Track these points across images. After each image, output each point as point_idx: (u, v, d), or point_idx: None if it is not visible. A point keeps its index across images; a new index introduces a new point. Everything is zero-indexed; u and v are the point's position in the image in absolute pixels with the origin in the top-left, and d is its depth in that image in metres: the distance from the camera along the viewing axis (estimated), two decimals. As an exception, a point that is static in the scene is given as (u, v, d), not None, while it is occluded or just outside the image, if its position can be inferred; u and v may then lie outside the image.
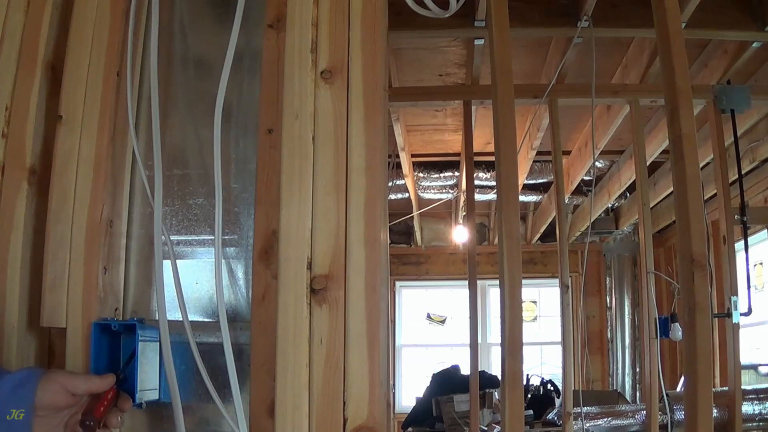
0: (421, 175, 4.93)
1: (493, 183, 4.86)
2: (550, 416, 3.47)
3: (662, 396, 2.77)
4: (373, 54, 1.02)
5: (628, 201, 5.33)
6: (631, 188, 4.64)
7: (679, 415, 2.96)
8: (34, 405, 0.80)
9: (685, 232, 1.43)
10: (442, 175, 4.95)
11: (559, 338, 4.34)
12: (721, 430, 2.77)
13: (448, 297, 6.93)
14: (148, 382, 0.97)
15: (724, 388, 2.88)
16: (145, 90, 1.13)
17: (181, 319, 0.96)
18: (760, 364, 4.43)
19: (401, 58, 3.22)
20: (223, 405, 0.93)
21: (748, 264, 3.05)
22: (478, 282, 3.17)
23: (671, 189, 3.14)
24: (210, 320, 1.10)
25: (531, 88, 3.13)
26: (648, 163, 3.22)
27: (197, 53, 1.23)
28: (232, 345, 0.94)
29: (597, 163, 4.57)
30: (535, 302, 6.90)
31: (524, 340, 1.40)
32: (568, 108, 3.48)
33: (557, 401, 3.76)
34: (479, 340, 3.24)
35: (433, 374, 4.33)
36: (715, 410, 2.78)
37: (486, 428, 3.59)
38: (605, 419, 3.16)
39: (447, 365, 4.50)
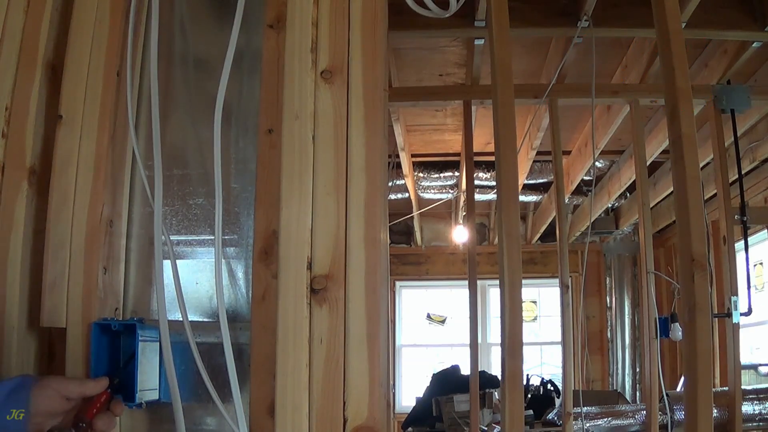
0: (421, 175, 4.93)
1: (493, 183, 4.86)
2: (550, 416, 3.47)
3: (662, 396, 2.77)
4: (373, 54, 1.02)
5: (628, 201, 5.32)
6: (631, 188, 4.64)
7: (679, 415, 2.96)
8: (29, 411, 0.80)
9: (685, 232, 1.43)
10: (442, 175, 4.95)
11: (559, 338, 4.35)
12: (721, 430, 2.77)
13: (448, 297, 6.92)
14: (148, 382, 0.97)
15: (724, 388, 2.87)
16: (145, 90, 1.13)
17: (181, 319, 0.96)
18: (760, 364, 4.43)
19: (401, 58, 3.22)
20: (223, 405, 0.93)
21: (748, 264, 3.05)
22: (478, 282, 3.16)
23: (671, 189, 3.14)
24: (210, 320, 1.10)
25: (531, 88, 3.12)
26: (648, 163, 3.22)
27: (197, 53, 1.23)
28: (232, 345, 0.94)
29: (597, 163, 4.56)
30: (535, 302, 6.89)
31: (524, 340, 1.40)
32: (568, 108, 3.48)
33: (557, 401, 3.75)
34: (479, 340, 3.24)
35: (433, 374, 4.32)
36: (715, 410, 2.78)
37: (486, 428, 3.59)
38: (605, 419, 3.16)
39: (447, 365, 4.50)
